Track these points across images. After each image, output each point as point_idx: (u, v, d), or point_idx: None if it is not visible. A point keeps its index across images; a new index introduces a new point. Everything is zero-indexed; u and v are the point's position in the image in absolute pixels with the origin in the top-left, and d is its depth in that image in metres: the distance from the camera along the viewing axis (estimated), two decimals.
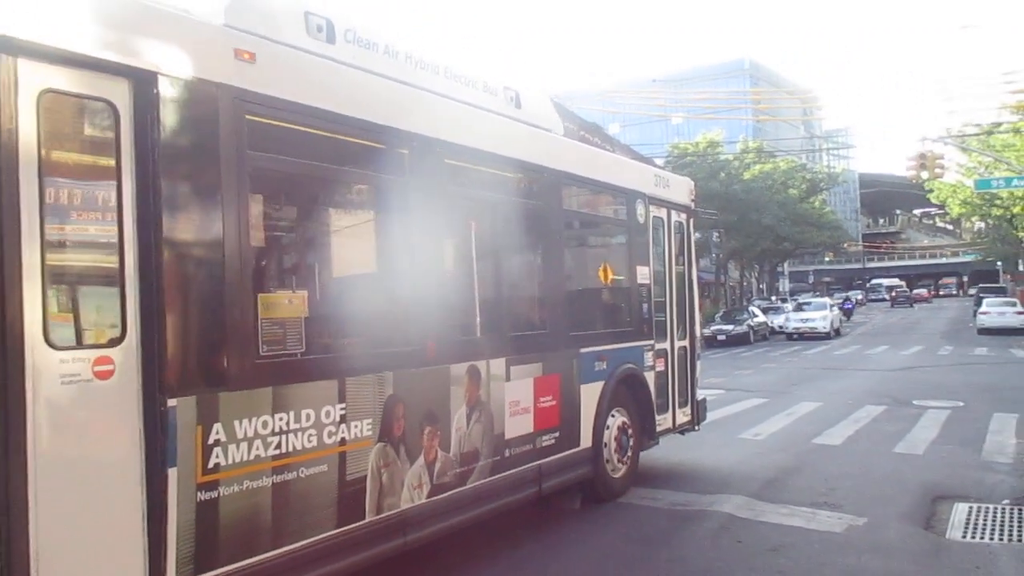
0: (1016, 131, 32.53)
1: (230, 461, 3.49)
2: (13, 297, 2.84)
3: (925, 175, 25.45)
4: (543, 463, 5.68)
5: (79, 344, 3.07)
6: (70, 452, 2.98)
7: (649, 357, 7.23)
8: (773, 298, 51.14)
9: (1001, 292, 43.65)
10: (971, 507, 6.29)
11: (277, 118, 3.88)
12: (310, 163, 4.17)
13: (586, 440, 6.23)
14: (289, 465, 3.77)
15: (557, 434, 5.86)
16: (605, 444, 6.48)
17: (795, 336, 30.78)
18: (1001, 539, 5.56)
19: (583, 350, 6.22)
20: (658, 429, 7.34)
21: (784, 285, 70.58)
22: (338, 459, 4.04)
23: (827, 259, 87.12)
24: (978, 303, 36.92)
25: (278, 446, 3.71)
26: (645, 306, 7.26)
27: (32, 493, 2.83)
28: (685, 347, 8.01)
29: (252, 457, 3.59)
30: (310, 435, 3.88)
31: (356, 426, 4.13)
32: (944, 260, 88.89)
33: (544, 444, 5.71)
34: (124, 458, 3.16)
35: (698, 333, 8.40)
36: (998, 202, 39.34)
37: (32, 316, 2.88)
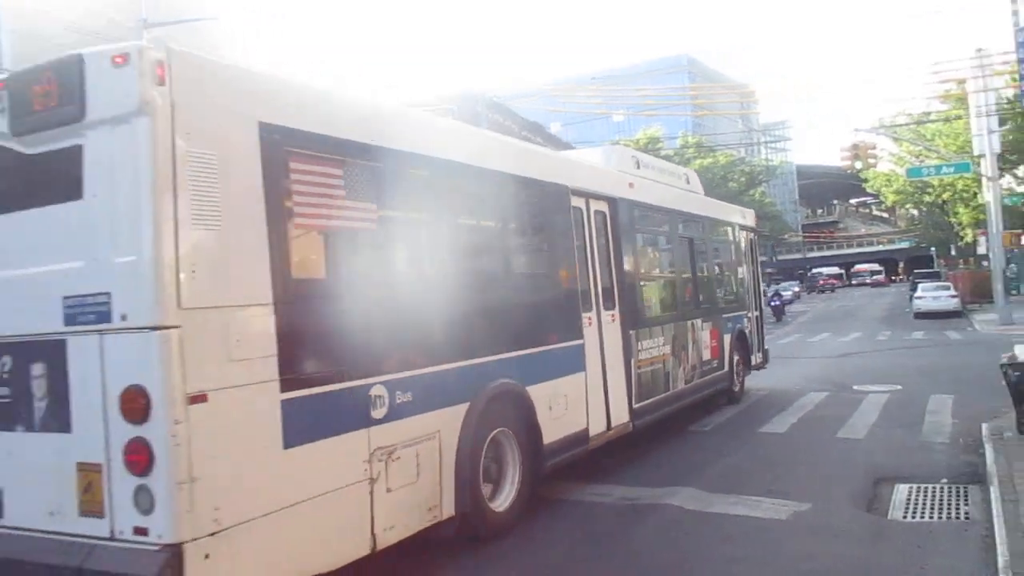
0: (945, 120, 34.00)
1: (642, 357, 8.36)
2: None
3: (859, 165, 26.26)
4: (712, 376, 10.66)
5: (608, 308, 7.85)
6: (612, 349, 7.77)
7: (746, 321, 12.32)
8: None
9: (935, 277, 43.29)
10: (911, 487, 6.54)
11: (640, 210, 8.81)
12: (650, 230, 9.20)
13: (726, 367, 11.23)
14: (654, 361, 8.66)
15: (716, 361, 10.84)
16: (732, 370, 11.47)
17: None
18: (940, 517, 5.79)
19: (723, 315, 11.24)
20: (752, 363, 12.46)
21: None
22: (664, 362, 8.93)
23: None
24: (913, 288, 36.96)
25: (650, 353, 8.58)
26: (742, 290, 12.38)
27: (593, 360, 7.57)
28: (757, 315, 13.16)
29: (647, 357, 8.47)
30: (658, 349, 8.75)
31: (668, 346, 9.05)
32: (881, 247, 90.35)
33: (713, 366, 10.69)
34: (619, 351, 7.96)
35: (762, 307, 13.56)
36: (929, 190, 41.30)
37: (592, 300, 7.67)
